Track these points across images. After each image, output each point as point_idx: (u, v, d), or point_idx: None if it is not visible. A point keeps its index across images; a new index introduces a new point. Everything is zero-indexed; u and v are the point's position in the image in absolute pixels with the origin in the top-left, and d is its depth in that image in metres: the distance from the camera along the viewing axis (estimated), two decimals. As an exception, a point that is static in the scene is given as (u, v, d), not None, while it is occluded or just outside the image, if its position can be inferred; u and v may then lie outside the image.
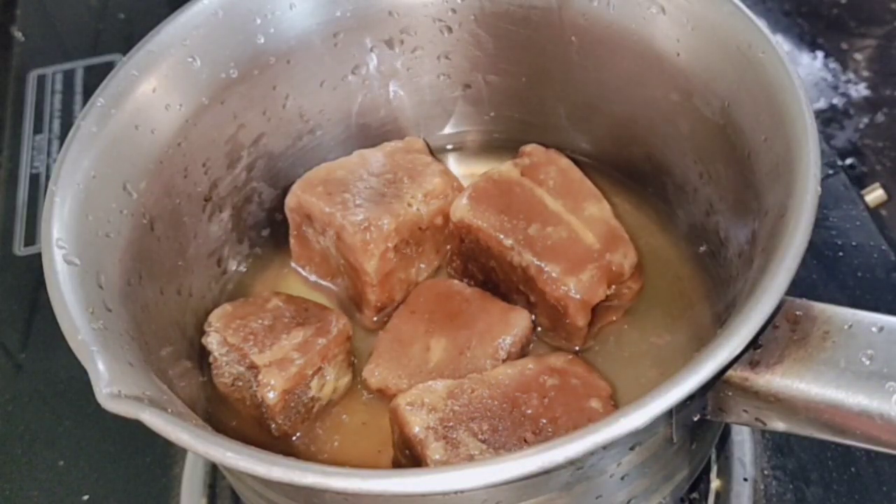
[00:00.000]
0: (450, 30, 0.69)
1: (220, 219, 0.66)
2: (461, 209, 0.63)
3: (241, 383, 0.60)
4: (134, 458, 0.71)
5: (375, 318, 0.65)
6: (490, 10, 0.67)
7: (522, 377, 0.56)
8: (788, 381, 0.44)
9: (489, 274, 0.64)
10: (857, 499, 0.65)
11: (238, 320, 0.61)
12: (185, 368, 0.59)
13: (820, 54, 1.10)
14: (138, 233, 0.57)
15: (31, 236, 0.87)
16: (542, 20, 0.65)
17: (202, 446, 0.41)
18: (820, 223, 0.75)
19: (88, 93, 0.75)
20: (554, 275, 0.59)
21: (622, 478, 0.48)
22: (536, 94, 0.70)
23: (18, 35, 1.09)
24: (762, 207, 0.50)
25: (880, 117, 1.04)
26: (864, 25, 1.13)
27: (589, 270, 0.60)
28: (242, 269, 0.69)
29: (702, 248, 0.64)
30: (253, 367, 0.58)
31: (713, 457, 0.66)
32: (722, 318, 0.45)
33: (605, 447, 0.39)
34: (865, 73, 1.08)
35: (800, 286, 0.67)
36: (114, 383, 0.44)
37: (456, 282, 0.65)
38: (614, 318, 0.63)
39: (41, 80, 1.03)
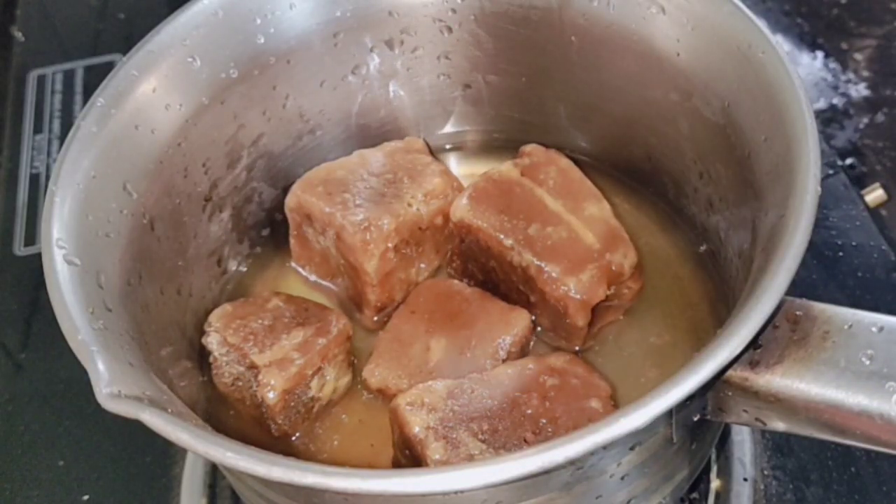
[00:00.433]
0: (450, 30, 0.69)
1: (220, 219, 0.66)
2: (461, 209, 0.63)
3: (241, 383, 0.60)
4: (134, 458, 0.71)
5: (375, 318, 0.65)
6: (490, 10, 0.67)
7: (522, 377, 0.56)
8: (788, 381, 0.44)
9: (489, 274, 0.64)
10: (857, 499, 0.65)
11: (238, 320, 0.61)
12: (185, 368, 0.59)
13: (820, 54, 1.10)
14: (138, 233, 0.57)
15: (31, 236, 0.87)
16: (542, 20, 0.65)
17: (202, 446, 0.41)
18: (820, 223, 0.75)
19: (88, 93, 0.75)
20: (554, 275, 0.59)
21: (622, 478, 0.48)
22: (536, 94, 0.70)
23: (18, 35, 1.09)
24: (762, 207, 0.50)
25: (880, 117, 1.04)
26: (864, 25, 1.13)
27: (589, 270, 0.60)
28: (242, 268, 0.69)
29: (702, 248, 0.64)
30: (253, 367, 0.58)
31: (713, 457, 0.66)
32: (722, 318, 0.45)
33: (605, 447, 0.39)
34: (865, 73, 1.08)
35: (800, 286, 0.67)
36: (114, 383, 0.44)
37: (456, 282, 0.65)
38: (614, 319, 0.63)
39: (41, 80, 1.03)
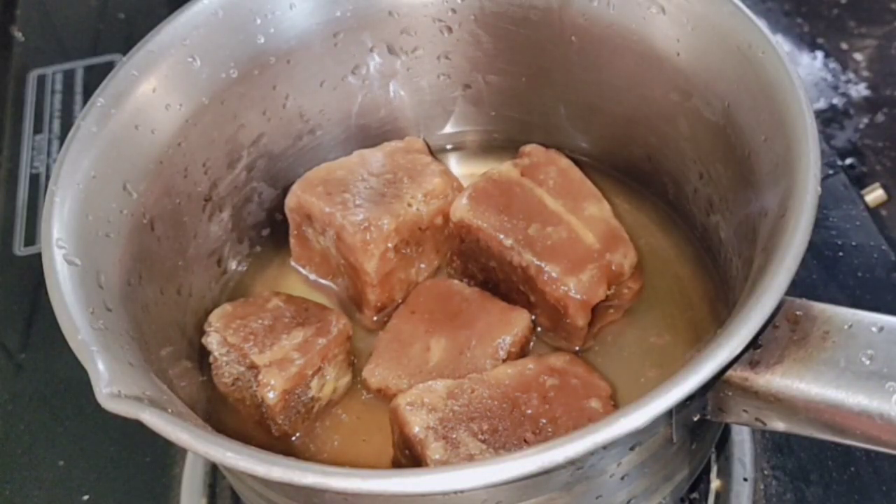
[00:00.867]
0: (450, 30, 0.69)
1: (220, 219, 0.66)
2: (461, 209, 0.63)
3: (241, 383, 0.60)
4: (134, 458, 0.71)
5: (375, 318, 0.65)
6: (490, 10, 0.67)
7: (522, 377, 0.56)
8: (788, 381, 0.44)
9: (489, 274, 0.64)
10: (857, 499, 0.65)
11: (238, 320, 0.61)
12: (185, 368, 0.59)
13: (820, 54, 1.10)
14: (138, 233, 0.57)
15: (31, 236, 0.87)
16: (542, 20, 0.65)
17: (202, 446, 0.41)
18: (820, 223, 0.75)
19: (88, 93, 0.76)
20: (554, 275, 0.59)
21: (622, 478, 0.48)
22: (536, 94, 0.70)
23: (18, 35, 1.09)
24: (762, 208, 0.50)
25: (880, 117, 1.04)
26: (864, 25, 1.13)
27: (589, 270, 0.60)
28: (242, 268, 0.69)
29: (702, 248, 0.64)
30: (253, 367, 0.58)
31: (713, 457, 0.66)
32: (722, 318, 0.45)
33: (605, 447, 0.39)
34: (865, 73, 1.08)
35: (800, 286, 0.68)
36: (114, 383, 0.44)
37: (456, 282, 0.65)
38: (614, 318, 0.63)
39: (41, 80, 1.03)
